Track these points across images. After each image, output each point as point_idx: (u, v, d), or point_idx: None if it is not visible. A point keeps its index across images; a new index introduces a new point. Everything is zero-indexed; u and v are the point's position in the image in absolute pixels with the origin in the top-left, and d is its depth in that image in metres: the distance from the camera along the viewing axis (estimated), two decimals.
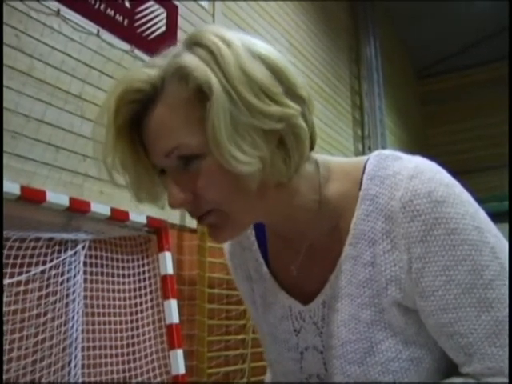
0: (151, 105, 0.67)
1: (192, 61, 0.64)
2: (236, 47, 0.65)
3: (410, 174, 0.67)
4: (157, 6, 3.29)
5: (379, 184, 0.70)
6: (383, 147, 6.08)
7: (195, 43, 0.66)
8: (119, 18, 3.02)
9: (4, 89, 2.34)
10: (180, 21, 3.49)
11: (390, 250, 0.67)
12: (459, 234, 0.64)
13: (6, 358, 2.11)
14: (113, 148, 0.68)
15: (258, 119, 0.63)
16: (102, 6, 2.91)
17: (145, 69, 0.68)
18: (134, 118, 0.69)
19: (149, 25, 3.21)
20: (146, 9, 3.21)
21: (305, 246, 0.77)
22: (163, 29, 3.31)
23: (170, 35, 3.35)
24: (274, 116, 0.64)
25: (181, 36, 3.45)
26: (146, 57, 3.10)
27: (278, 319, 0.82)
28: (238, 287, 0.94)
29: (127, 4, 3.08)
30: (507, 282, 0.63)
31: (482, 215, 0.67)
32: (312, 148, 0.73)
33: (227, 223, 0.70)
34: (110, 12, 2.96)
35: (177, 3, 3.49)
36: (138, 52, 3.08)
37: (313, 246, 0.77)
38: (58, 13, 2.65)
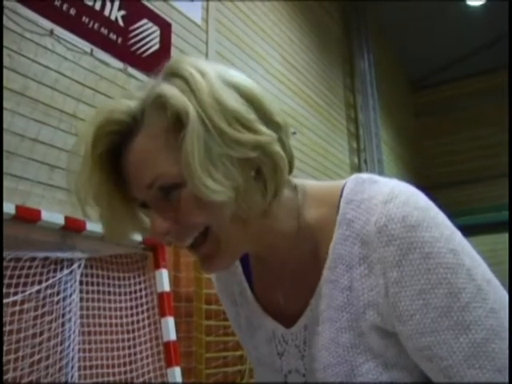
0: (131, 136, 0.67)
1: (169, 89, 0.65)
2: (209, 76, 0.65)
3: (385, 198, 0.67)
4: (150, 24, 3.32)
5: (355, 208, 0.70)
6: (379, 160, 6.10)
7: (172, 74, 0.67)
8: (113, 36, 3.04)
9: None
10: (174, 38, 3.51)
11: (367, 274, 0.68)
12: (434, 258, 0.63)
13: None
14: (87, 180, 0.67)
15: (232, 148, 0.64)
16: (96, 25, 2.93)
17: (124, 100, 0.68)
18: (113, 149, 0.69)
19: (142, 43, 3.23)
20: (139, 27, 3.23)
21: (287, 271, 0.77)
22: (157, 46, 3.33)
23: (163, 53, 3.37)
24: (248, 144, 0.64)
25: (174, 53, 3.48)
26: (139, 75, 3.12)
27: (263, 342, 0.82)
28: (225, 310, 0.94)
29: (121, 22, 3.11)
30: (483, 304, 0.63)
31: (457, 237, 0.67)
32: (290, 172, 0.73)
33: (218, 252, 0.70)
34: (104, 31, 2.98)
35: (170, 21, 3.52)
36: (131, 70, 3.09)
37: (293, 271, 0.77)
38: (51, 32, 2.67)
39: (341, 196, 0.73)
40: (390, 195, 0.67)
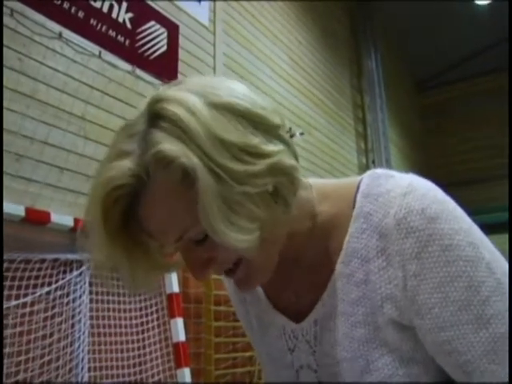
0: (141, 196, 0.63)
1: (167, 143, 0.60)
2: (200, 112, 0.61)
3: (404, 191, 0.67)
4: (158, 26, 3.33)
5: (373, 202, 0.69)
6: (387, 160, 6.09)
7: (157, 116, 0.62)
8: (121, 38, 3.05)
9: (8, 111, 2.37)
10: (181, 40, 3.52)
11: (385, 267, 0.67)
12: (454, 250, 0.63)
13: (12, 380, 2.11)
14: (109, 257, 0.66)
15: (247, 184, 0.61)
16: (104, 28, 2.94)
17: (118, 162, 0.62)
18: (123, 212, 0.64)
19: (150, 45, 3.24)
20: (147, 29, 3.24)
21: (300, 267, 0.77)
22: (164, 48, 3.34)
23: (171, 55, 3.38)
24: (262, 172, 0.62)
25: (182, 55, 3.49)
26: (147, 76, 3.13)
27: (274, 339, 0.82)
28: (235, 308, 0.94)
29: (128, 25, 3.12)
30: (503, 298, 0.63)
31: (476, 231, 0.67)
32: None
33: (253, 275, 0.70)
34: (112, 33, 2.99)
35: (178, 23, 3.53)
36: (139, 72, 3.11)
37: (306, 267, 0.77)
38: (60, 35, 2.68)
39: (357, 192, 0.72)
40: (409, 188, 0.67)
